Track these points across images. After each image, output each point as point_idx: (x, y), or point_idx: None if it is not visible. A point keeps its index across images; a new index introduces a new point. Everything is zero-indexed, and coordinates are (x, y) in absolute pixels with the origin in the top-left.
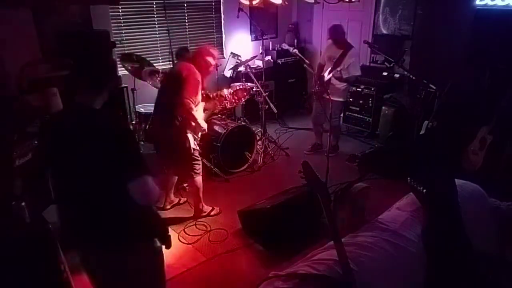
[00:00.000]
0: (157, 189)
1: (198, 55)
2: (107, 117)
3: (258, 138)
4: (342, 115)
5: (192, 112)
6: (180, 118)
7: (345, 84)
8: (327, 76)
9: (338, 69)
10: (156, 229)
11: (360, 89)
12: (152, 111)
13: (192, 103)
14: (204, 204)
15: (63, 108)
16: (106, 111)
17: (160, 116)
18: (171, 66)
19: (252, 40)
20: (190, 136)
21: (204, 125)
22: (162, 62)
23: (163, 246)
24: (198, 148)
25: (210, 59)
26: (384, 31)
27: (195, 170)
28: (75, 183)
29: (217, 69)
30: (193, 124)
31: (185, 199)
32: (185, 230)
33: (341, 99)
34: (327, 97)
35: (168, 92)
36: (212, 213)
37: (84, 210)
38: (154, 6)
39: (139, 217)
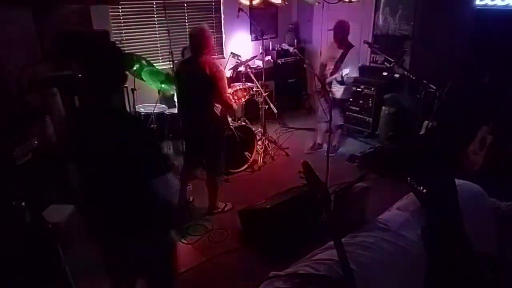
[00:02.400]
0: (177, 186)
1: (209, 44)
2: (131, 116)
3: (258, 138)
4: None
5: (233, 104)
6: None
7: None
8: (328, 79)
9: (338, 74)
10: (174, 222)
11: (360, 89)
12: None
13: (229, 95)
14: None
15: (86, 107)
16: (124, 110)
17: (198, 116)
18: (184, 63)
19: (252, 40)
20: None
21: (235, 107)
22: (162, 62)
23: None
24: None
25: (211, 39)
26: (384, 31)
27: (222, 168)
28: (102, 178)
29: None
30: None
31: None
32: (185, 230)
33: (344, 97)
34: (330, 96)
35: (202, 92)
36: (226, 209)
37: (110, 205)
38: (154, 6)
39: (157, 209)
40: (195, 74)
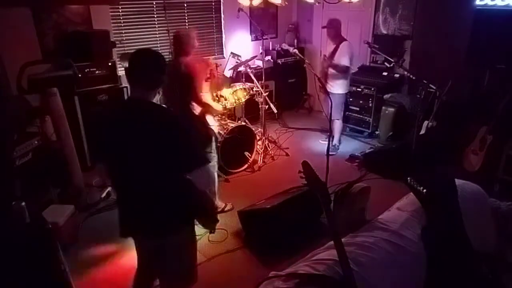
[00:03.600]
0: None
1: (187, 46)
2: (168, 110)
3: (258, 138)
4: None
5: (206, 101)
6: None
7: (342, 78)
8: (306, 65)
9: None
10: (207, 213)
11: (360, 89)
12: None
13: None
14: (218, 200)
15: (122, 102)
16: (161, 105)
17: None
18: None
19: (252, 40)
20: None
21: (218, 107)
22: None
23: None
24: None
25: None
26: (384, 31)
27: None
28: (137, 170)
29: (217, 69)
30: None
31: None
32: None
33: (340, 92)
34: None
35: (176, 92)
36: (226, 209)
37: (143, 197)
38: (154, 6)
39: (192, 204)
40: (170, 74)
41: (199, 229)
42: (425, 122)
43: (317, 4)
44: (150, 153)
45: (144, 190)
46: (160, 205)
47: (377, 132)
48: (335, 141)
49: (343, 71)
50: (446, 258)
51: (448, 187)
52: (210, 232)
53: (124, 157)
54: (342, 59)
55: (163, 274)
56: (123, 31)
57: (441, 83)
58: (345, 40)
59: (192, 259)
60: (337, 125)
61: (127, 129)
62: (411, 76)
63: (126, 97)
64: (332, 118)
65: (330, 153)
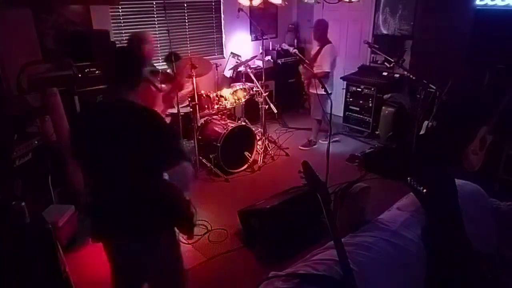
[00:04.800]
0: (193, 175)
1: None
2: (146, 109)
3: (258, 138)
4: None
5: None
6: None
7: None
8: (300, 67)
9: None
10: (184, 217)
11: (360, 89)
12: None
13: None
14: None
15: (102, 102)
16: (139, 103)
17: None
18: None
19: (252, 40)
20: None
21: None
22: (162, 62)
23: (185, 236)
24: None
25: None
26: (384, 31)
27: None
28: (115, 172)
29: (217, 69)
30: None
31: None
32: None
33: (319, 92)
34: (310, 91)
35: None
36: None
37: (120, 199)
38: (154, 6)
39: (171, 207)
40: None
41: (199, 229)
42: (425, 122)
43: (317, 4)
44: (133, 153)
45: (123, 190)
46: (138, 206)
47: (377, 132)
48: (312, 137)
49: (322, 75)
50: (446, 258)
51: (448, 187)
52: (188, 238)
53: (104, 157)
54: (324, 63)
55: (145, 280)
56: (123, 31)
57: (441, 83)
58: (330, 42)
59: (175, 263)
60: (315, 124)
61: (107, 129)
62: (411, 76)
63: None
64: (312, 117)
65: (302, 147)
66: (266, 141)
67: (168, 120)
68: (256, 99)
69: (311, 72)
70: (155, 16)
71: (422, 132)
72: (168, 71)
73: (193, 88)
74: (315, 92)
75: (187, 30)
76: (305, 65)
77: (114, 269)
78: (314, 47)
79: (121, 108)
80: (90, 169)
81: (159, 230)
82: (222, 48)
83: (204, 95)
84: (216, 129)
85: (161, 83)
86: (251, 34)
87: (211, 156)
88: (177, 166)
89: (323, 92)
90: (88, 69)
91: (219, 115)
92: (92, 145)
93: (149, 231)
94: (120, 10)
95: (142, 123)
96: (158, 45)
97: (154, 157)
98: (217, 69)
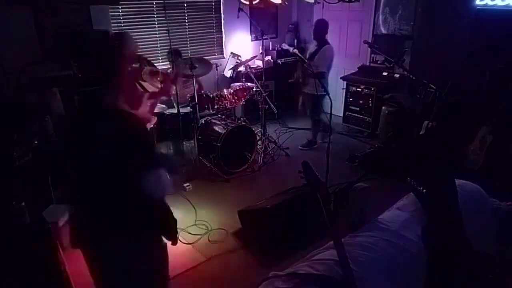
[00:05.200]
0: (170, 182)
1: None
2: (125, 115)
3: (258, 138)
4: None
5: None
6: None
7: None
8: (296, 73)
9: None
10: (165, 224)
11: (360, 89)
12: None
13: None
14: None
15: (83, 105)
16: (117, 106)
17: None
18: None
19: (252, 40)
20: None
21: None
22: (162, 62)
23: (169, 243)
24: None
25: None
26: (384, 31)
27: None
28: (93, 178)
29: (217, 69)
30: None
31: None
32: (185, 230)
33: (312, 92)
34: (304, 91)
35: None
36: None
37: (99, 206)
38: (154, 6)
39: (151, 212)
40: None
41: (199, 230)
42: (425, 122)
43: (317, 4)
44: (108, 159)
45: (99, 196)
46: (115, 213)
47: (377, 132)
48: (311, 137)
49: (318, 76)
50: (446, 258)
51: (448, 187)
52: (172, 244)
53: (81, 162)
54: (320, 64)
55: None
56: (123, 31)
57: (441, 83)
58: (328, 44)
59: (155, 271)
60: (312, 124)
61: (83, 134)
62: (411, 76)
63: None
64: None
65: (302, 147)
66: (266, 141)
67: (154, 121)
68: (256, 99)
69: (311, 72)
70: (155, 16)
71: (422, 132)
72: (168, 71)
73: (194, 88)
74: (313, 92)
75: (187, 30)
76: (305, 65)
77: (93, 276)
78: (311, 46)
79: (99, 112)
80: (73, 174)
81: (138, 237)
82: (222, 48)
83: (204, 95)
84: (216, 129)
85: (161, 83)
86: (251, 34)
87: (211, 156)
88: (153, 174)
89: (314, 93)
90: (88, 69)
91: (219, 115)
92: (70, 150)
93: (128, 238)
94: (120, 10)
95: (118, 129)
96: (159, 45)
97: (129, 165)
98: (217, 69)
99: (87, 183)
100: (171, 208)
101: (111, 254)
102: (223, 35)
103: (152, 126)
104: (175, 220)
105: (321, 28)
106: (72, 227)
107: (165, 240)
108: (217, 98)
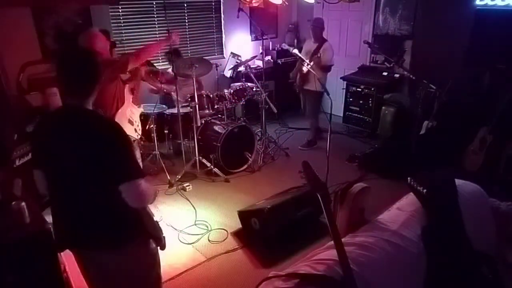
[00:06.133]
0: (150, 192)
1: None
2: (99, 119)
3: (258, 138)
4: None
5: None
6: None
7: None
8: (305, 67)
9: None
10: (149, 231)
11: (360, 89)
12: (151, 111)
13: None
14: None
15: (56, 109)
16: (97, 112)
17: None
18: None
19: (252, 40)
20: None
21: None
22: (162, 62)
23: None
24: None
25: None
26: (384, 31)
27: None
28: (70, 183)
29: (217, 69)
30: None
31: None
32: (185, 230)
33: (313, 89)
34: (306, 88)
35: None
36: None
37: (78, 210)
38: (154, 6)
39: (134, 218)
40: None
41: (199, 230)
42: (425, 122)
43: (317, 4)
44: (85, 166)
45: (78, 201)
46: (95, 217)
47: (377, 132)
48: (311, 137)
49: (326, 70)
50: (446, 258)
51: (448, 187)
52: (160, 249)
53: (58, 168)
54: (327, 58)
55: None
56: (123, 31)
57: (441, 83)
58: (326, 40)
59: (144, 276)
60: (311, 123)
61: (64, 139)
62: (411, 76)
63: None
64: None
65: (302, 147)
66: (266, 141)
67: (138, 121)
68: (256, 99)
69: (318, 63)
70: (155, 16)
71: (422, 132)
72: (168, 71)
73: (194, 88)
74: (313, 89)
75: (187, 30)
76: (305, 65)
77: (85, 279)
78: (310, 44)
79: (75, 118)
80: (50, 177)
81: (120, 242)
82: (222, 48)
83: (204, 95)
84: (216, 129)
85: (161, 83)
86: (251, 34)
87: (211, 156)
88: (129, 183)
89: (318, 90)
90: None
91: (219, 115)
92: (48, 155)
93: (110, 242)
94: (120, 10)
95: (95, 135)
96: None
97: (106, 171)
98: (217, 69)
99: (58, 186)
100: (171, 208)
101: (92, 257)
102: (223, 35)
103: (136, 136)
104: (155, 226)
105: (321, 25)
106: (54, 229)
107: (153, 244)
108: (217, 98)
